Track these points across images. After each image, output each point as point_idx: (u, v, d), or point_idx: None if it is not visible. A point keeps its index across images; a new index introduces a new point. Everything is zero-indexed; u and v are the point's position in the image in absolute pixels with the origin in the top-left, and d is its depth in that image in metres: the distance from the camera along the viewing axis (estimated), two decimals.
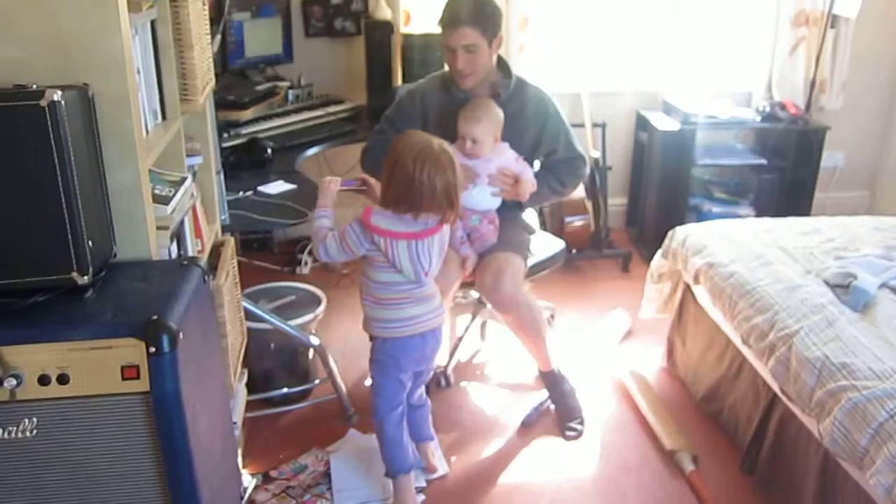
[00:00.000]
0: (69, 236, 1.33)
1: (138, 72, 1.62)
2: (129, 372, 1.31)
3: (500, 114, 2.51)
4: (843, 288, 2.33)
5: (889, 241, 2.68)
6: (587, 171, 2.79)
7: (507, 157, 2.55)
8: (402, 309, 2.13)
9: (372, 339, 2.26)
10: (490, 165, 2.52)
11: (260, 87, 3.36)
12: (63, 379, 1.30)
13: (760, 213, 3.91)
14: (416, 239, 2.04)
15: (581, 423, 2.67)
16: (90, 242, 1.37)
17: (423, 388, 2.41)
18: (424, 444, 2.44)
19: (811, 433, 2.07)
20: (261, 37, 3.47)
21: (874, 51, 4.13)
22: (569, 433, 2.64)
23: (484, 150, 2.50)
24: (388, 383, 2.23)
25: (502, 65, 2.65)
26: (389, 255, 2.04)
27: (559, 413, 2.70)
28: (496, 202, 2.59)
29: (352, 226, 2.06)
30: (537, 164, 2.74)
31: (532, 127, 2.63)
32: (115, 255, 1.52)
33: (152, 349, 1.29)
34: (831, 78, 4.04)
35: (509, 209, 2.67)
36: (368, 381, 2.42)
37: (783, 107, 3.90)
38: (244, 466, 2.42)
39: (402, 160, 1.99)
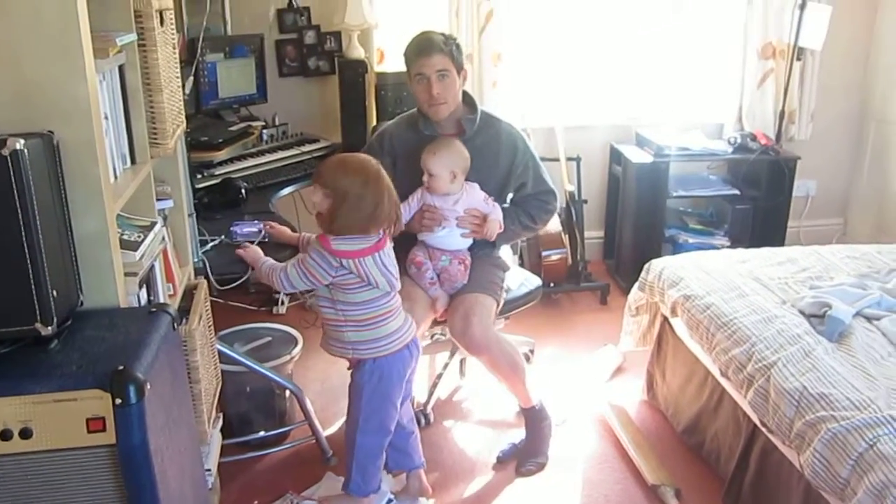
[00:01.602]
0: (32, 287, 1.30)
1: (106, 117, 1.60)
2: (95, 424, 1.27)
3: (464, 153, 2.51)
4: (818, 318, 2.34)
5: (862, 269, 2.71)
6: (557, 205, 2.78)
7: (475, 198, 2.55)
8: (387, 324, 2.17)
9: (355, 366, 2.24)
10: (457, 207, 2.52)
11: (234, 128, 3.36)
12: (26, 433, 1.27)
13: (735, 242, 3.94)
14: (378, 251, 2.09)
15: (540, 466, 2.61)
16: (55, 292, 1.34)
17: (411, 409, 2.42)
18: (417, 470, 2.42)
19: (793, 465, 2.06)
20: (234, 77, 3.48)
21: (841, 81, 4.22)
22: (522, 469, 2.60)
23: (440, 184, 2.49)
24: (383, 407, 2.22)
25: (468, 100, 2.68)
26: (362, 273, 2.07)
27: (525, 447, 2.66)
28: (466, 242, 2.59)
29: (312, 256, 2.07)
30: (509, 198, 2.75)
31: (502, 161, 2.65)
32: (82, 304, 1.49)
33: (118, 400, 1.25)
34: (800, 108, 4.11)
35: (482, 247, 2.66)
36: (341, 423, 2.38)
37: (754, 137, 3.95)
38: None
39: (351, 188, 2.04)
